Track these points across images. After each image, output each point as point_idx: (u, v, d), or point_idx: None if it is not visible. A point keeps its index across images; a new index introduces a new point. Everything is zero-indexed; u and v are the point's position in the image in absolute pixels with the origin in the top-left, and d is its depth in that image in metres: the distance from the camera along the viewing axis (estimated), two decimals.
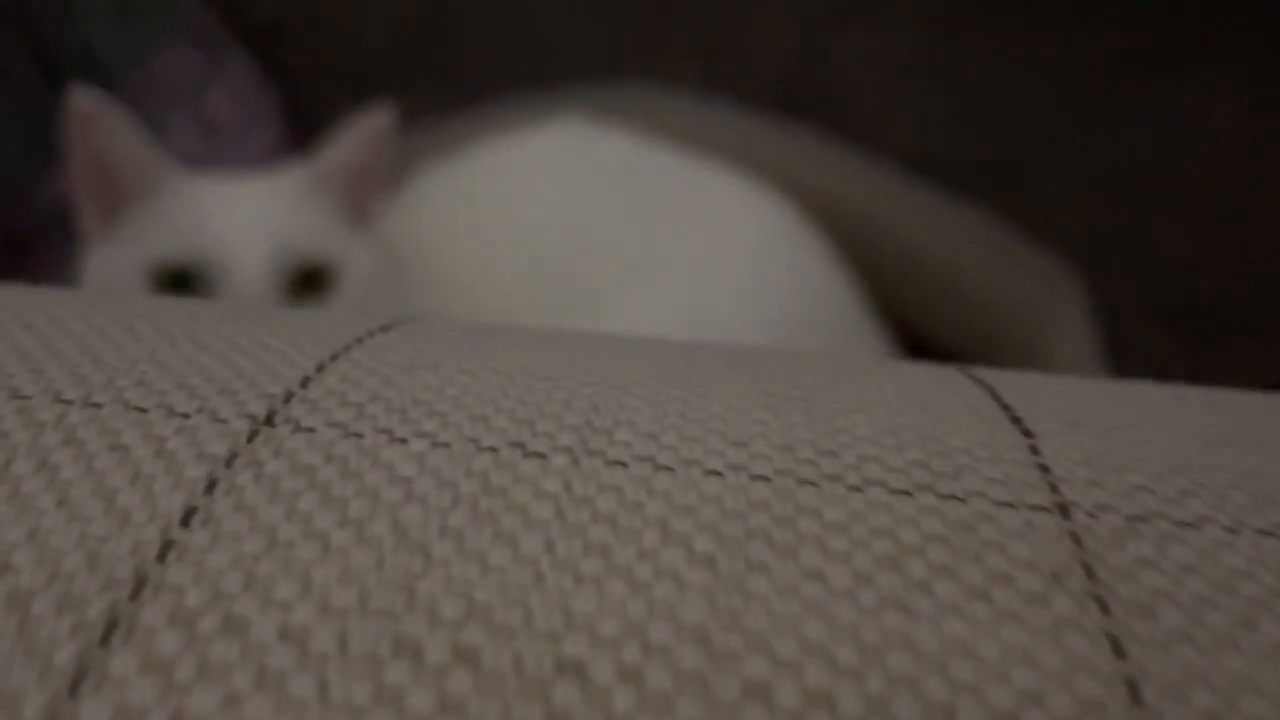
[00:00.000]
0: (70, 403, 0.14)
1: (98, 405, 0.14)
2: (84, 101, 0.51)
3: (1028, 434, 0.15)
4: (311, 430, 0.14)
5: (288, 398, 0.15)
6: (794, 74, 0.98)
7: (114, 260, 0.52)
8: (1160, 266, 0.97)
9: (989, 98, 0.99)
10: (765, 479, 0.13)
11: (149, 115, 0.70)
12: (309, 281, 0.53)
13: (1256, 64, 0.96)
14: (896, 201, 0.74)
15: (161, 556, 0.11)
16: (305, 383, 0.15)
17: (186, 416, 0.14)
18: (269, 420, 0.14)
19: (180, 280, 0.51)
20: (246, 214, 0.51)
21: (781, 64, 0.96)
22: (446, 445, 0.14)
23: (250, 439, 0.14)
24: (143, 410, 0.14)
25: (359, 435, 0.14)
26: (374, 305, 0.56)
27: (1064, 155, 0.98)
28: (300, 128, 0.81)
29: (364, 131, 0.55)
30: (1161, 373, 0.94)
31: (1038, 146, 0.98)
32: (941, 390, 0.16)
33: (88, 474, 0.13)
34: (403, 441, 0.14)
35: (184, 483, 0.13)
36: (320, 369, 0.16)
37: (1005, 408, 0.16)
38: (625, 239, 0.62)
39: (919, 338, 0.79)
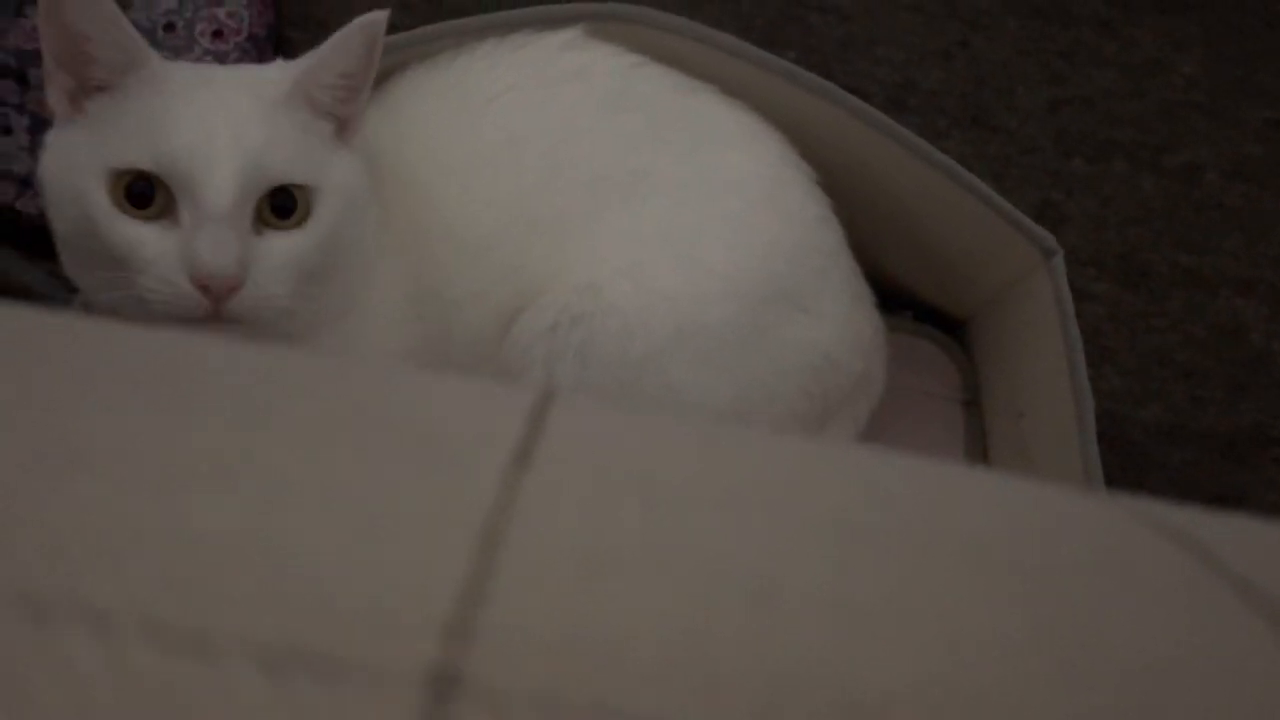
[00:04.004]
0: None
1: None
2: None
3: None
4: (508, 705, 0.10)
5: (456, 633, 0.11)
6: (776, 5, 0.93)
7: (79, 150, 0.48)
8: (1112, 215, 0.97)
9: (964, 34, 0.96)
10: None
11: None
12: (281, 200, 0.49)
13: (1215, 11, 0.95)
14: (872, 138, 0.71)
15: None
16: (472, 601, 0.12)
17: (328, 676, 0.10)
18: (449, 681, 0.11)
19: (143, 187, 0.47)
20: (221, 125, 0.47)
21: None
22: None
23: None
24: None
25: None
26: (350, 222, 0.52)
27: (1031, 100, 0.96)
28: None
29: (356, 38, 0.50)
30: (1113, 317, 0.95)
31: (1008, 91, 0.96)
32: None
33: None
34: None
35: None
36: (482, 573, 0.12)
37: None
38: (613, 158, 0.59)
39: (881, 276, 0.77)
